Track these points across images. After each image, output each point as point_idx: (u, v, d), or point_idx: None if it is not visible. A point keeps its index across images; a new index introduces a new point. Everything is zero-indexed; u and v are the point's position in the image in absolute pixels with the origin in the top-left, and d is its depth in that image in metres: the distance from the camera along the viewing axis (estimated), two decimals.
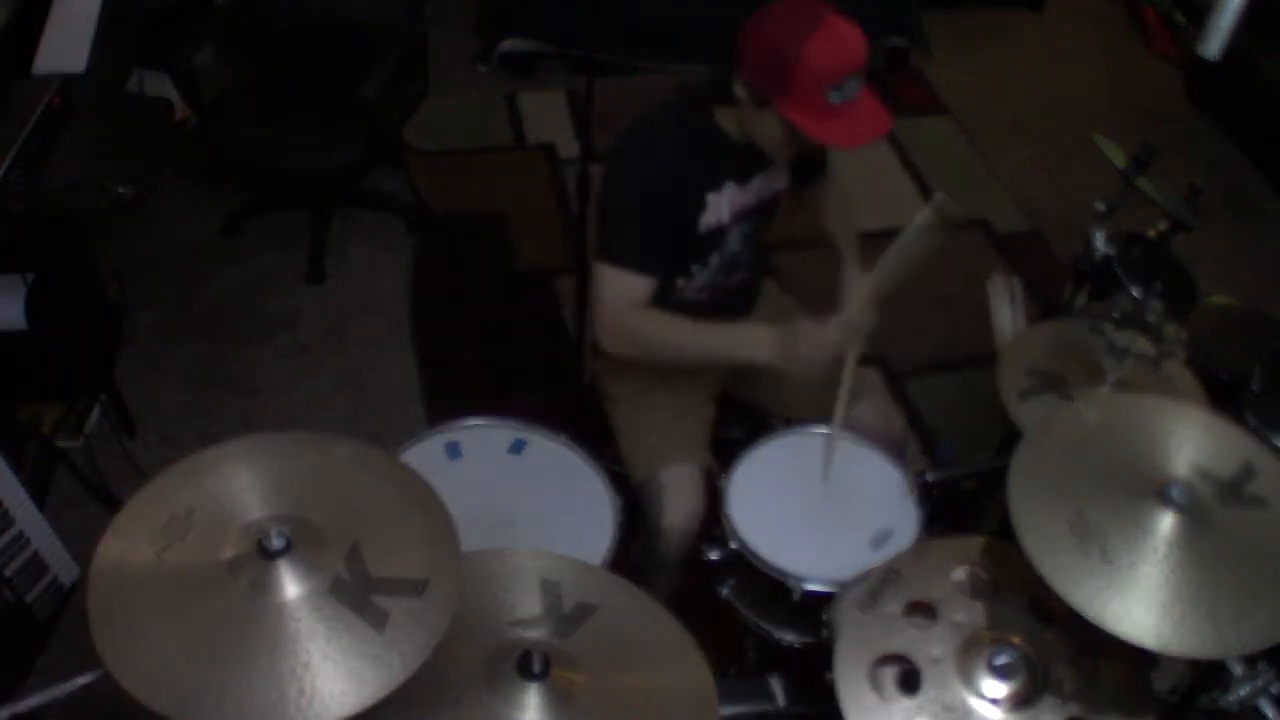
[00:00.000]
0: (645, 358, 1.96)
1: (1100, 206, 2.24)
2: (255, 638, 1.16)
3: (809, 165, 2.10)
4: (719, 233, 1.95)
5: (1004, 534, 1.46)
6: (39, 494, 2.36)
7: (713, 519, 1.91)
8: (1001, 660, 1.39)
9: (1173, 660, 1.42)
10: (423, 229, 3.39)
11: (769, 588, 1.78)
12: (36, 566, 2.21)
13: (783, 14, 1.74)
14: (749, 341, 1.90)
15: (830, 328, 1.87)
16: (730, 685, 1.78)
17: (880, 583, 1.53)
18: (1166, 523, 1.36)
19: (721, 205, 1.92)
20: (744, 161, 1.92)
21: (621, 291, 1.88)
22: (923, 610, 1.50)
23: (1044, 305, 2.44)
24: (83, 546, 2.24)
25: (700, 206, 1.90)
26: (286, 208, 3.37)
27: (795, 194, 2.13)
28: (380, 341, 3.06)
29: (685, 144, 1.87)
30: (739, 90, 1.79)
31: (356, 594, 1.21)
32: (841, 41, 1.72)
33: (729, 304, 2.10)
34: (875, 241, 2.02)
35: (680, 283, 1.99)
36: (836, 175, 2.20)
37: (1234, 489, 1.42)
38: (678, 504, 1.96)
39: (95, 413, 2.70)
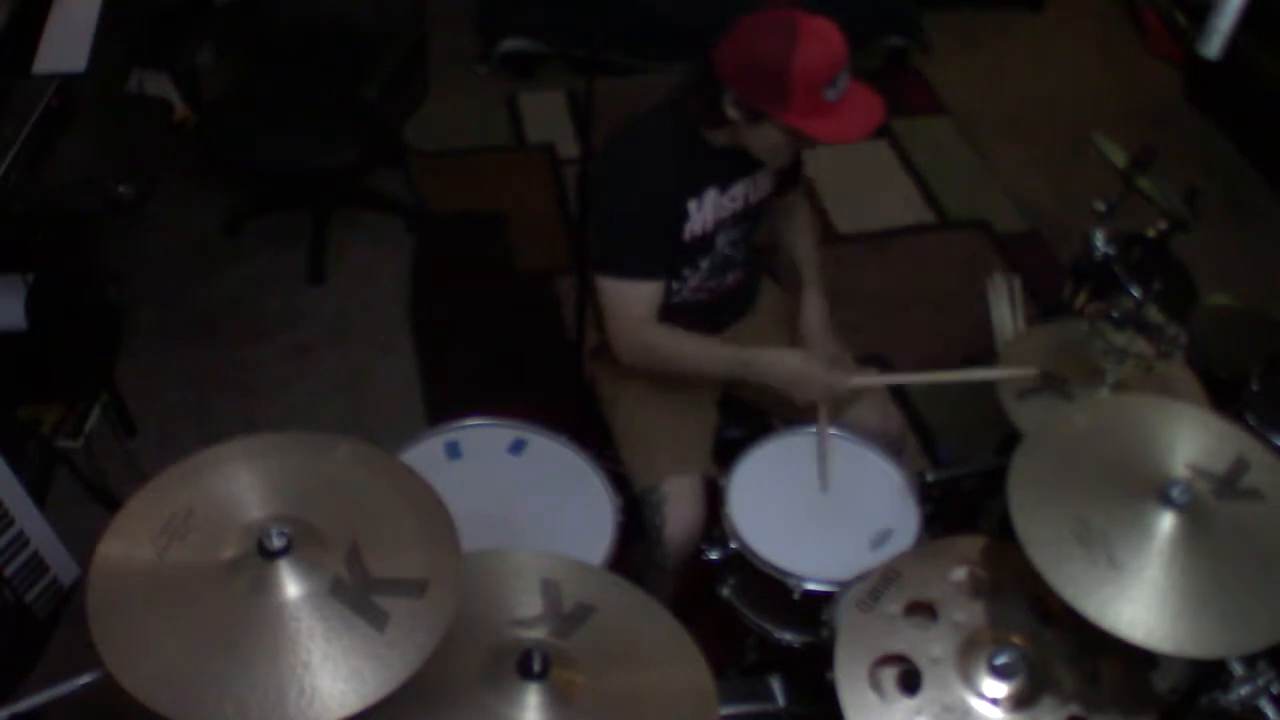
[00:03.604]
0: (659, 369, 1.98)
1: (1100, 206, 2.24)
2: (255, 638, 1.16)
3: (788, 173, 2.09)
4: (705, 239, 1.96)
5: (1004, 534, 1.46)
6: (39, 494, 2.36)
7: (713, 519, 1.91)
8: (1001, 660, 1.39)
9: (1172, 660, 1.41)
10: (423, 229, 3.39)
11: (769, 588, 1.78)
12: (36, 566, 2.21)
13: (759, 30, 1.74)
14: (760, 368, 1.93)
15: (833, 373, 1.92)
16: (730, 685, 1.78)
17: (880, 582, 1.53)
18: (1169, 523, 1.36)
19: (705, 212, 1.92)
20: (726, 167, 1.91)
21: (629, 302, 1.89)
22: (923, 610, 1.50)
23: (1044, 305, 2.44)
24: (83, 546, 2.24)
25: (683, 215, 1.90)
26: (286, 208, 3.37)
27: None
28: (380, 341, 3.06)
29: (664, 153, 1.87)
30: (730, 111, 1.79)
31: (356, 594, 1.21)
32: (825, 40, 1.73)
33: (727, 303, 2.10)
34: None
35: (673, 285, 1.99)
36: (804, 195, 2.21)
37: (1229, 483, 1.42)
38: (679, 515, 1.96)
39: (95, 413, 2.70)
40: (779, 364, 1.93)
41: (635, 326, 1.91)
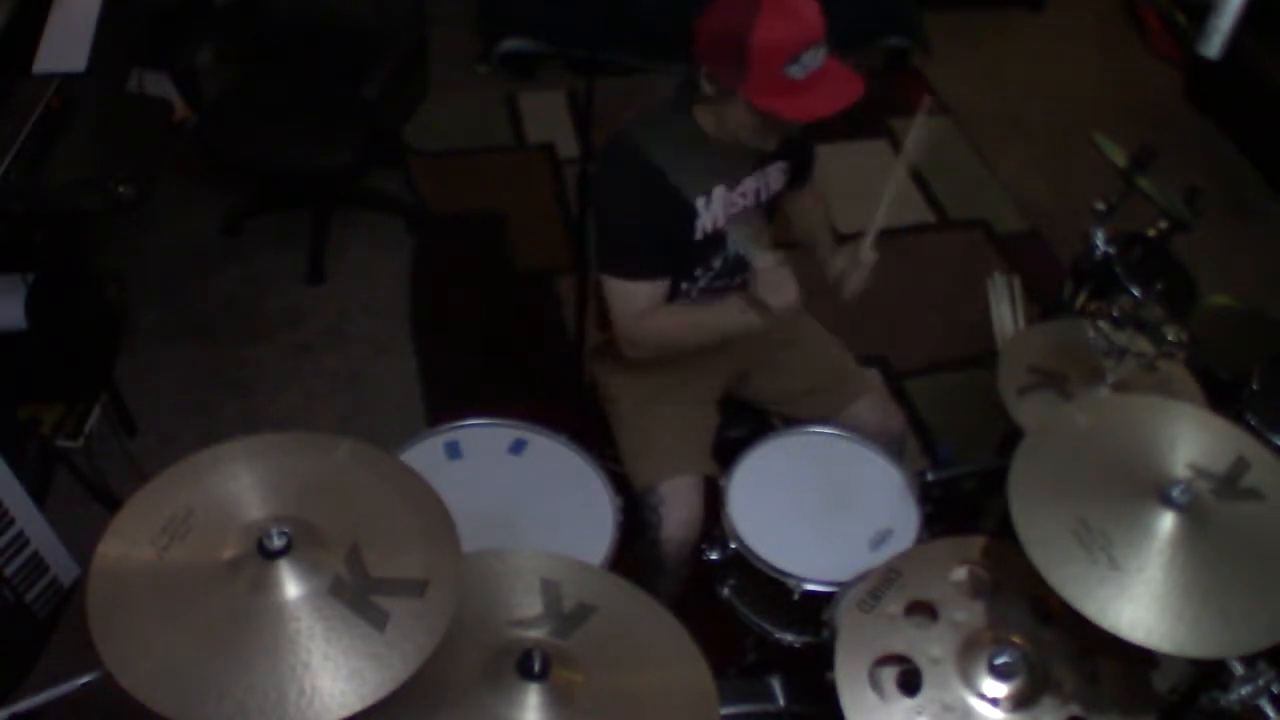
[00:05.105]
0: (669, 352, 1.98)
1: (1100, 206, 2.24)
2: (255, 638, 1.16)
3: (800, 168, 2.08)
4: (717, 237, 1.95)
5: (1004, 534, 1.46)
6: (39, 494, 2.36)
7: (713, 519, 1.91)
8: (1001, 660, 1.39)
9: (1173, 660, 1.41)
10: (423, 229, 3.39)
11: (769, 588, 1.78)
12: (36, 566, 2.21)
13: (728, 1, 1.72)
14: (739, 309, 1.89)
15: (783, 269, 1.85)
16: (730, 685, 1.78)
17: (880, 582, 1.53)
18: (1170, 524, 1.36)
19: (715, 210, 1.91)
20: (731, 164, 1.90)
21: (632, 302, 1.89)
22: (923, 610, 1.50)
23: (1044, 305, 2.44)
24: (83, 546, 2.24)
25: (692, 214, 1.89)
26: (286, 208, 3.37)
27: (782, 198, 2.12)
28: (380, 341, 3.06)
29: (668, 153, 1.84)
30: (704, 85, 1.77)
31: (356, 594, 1.21)
32: (791, 14, 1.69)
33: None
34: (875, 242, 2.02)
35: (684, 285, 1.99)
36: (817, 185, 2.19)
37: (1229, 483, 1.42)
38: (675, 516, 1.96)
39: (95, 413, 2.70)
40: (740, 301, 1.89)
41: (639, 320, 1.90)
